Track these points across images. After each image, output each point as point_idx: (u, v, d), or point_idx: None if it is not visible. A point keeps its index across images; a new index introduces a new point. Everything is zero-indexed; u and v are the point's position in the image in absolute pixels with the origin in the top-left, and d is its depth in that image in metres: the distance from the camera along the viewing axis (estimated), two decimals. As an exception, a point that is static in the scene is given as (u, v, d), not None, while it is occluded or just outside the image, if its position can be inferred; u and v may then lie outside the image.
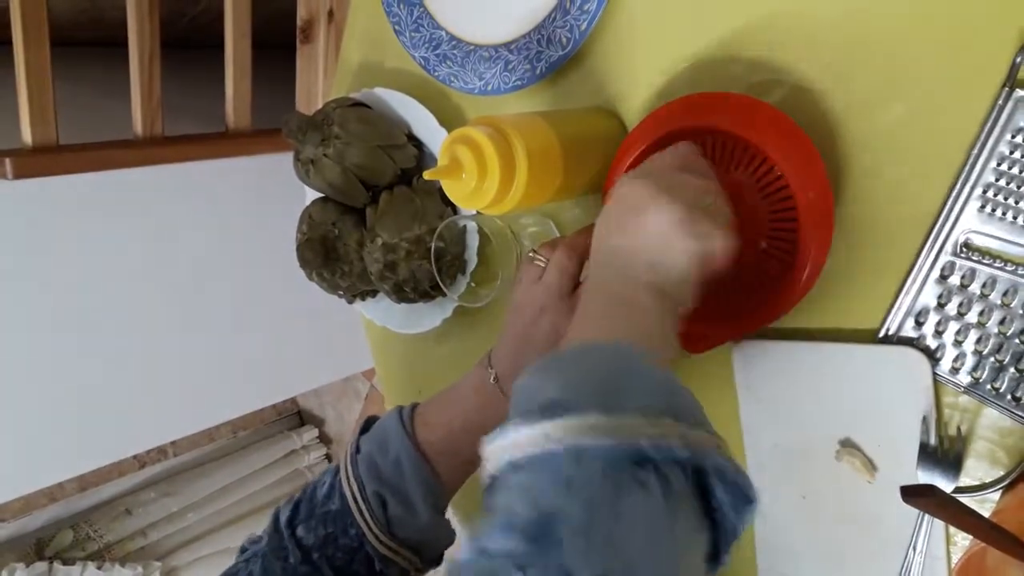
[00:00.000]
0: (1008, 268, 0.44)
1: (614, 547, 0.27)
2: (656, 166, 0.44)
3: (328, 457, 2.18)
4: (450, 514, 0.54)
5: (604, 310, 0.40)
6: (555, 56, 0.57)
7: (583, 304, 0.41)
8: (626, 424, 0.30)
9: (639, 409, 0.31)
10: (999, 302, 0.45)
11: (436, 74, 0.65)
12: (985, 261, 0.45)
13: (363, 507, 0.48)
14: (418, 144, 0.68)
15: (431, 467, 0.50)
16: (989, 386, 0.45)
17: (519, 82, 0.60)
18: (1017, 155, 0.43)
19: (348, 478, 0.49)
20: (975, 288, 0.45)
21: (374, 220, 0.66)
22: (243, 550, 0.51)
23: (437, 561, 0.53)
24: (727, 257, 0.41)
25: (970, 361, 0.46)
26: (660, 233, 0.39)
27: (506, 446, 0.31)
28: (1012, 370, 0.44)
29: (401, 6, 0.67)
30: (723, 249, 0.40)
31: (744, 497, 0.31)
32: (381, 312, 0.75)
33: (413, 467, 0.49)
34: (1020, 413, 0.44)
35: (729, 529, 0.31)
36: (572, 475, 0.29)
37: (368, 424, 0.53)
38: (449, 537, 0.53)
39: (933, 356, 0.47)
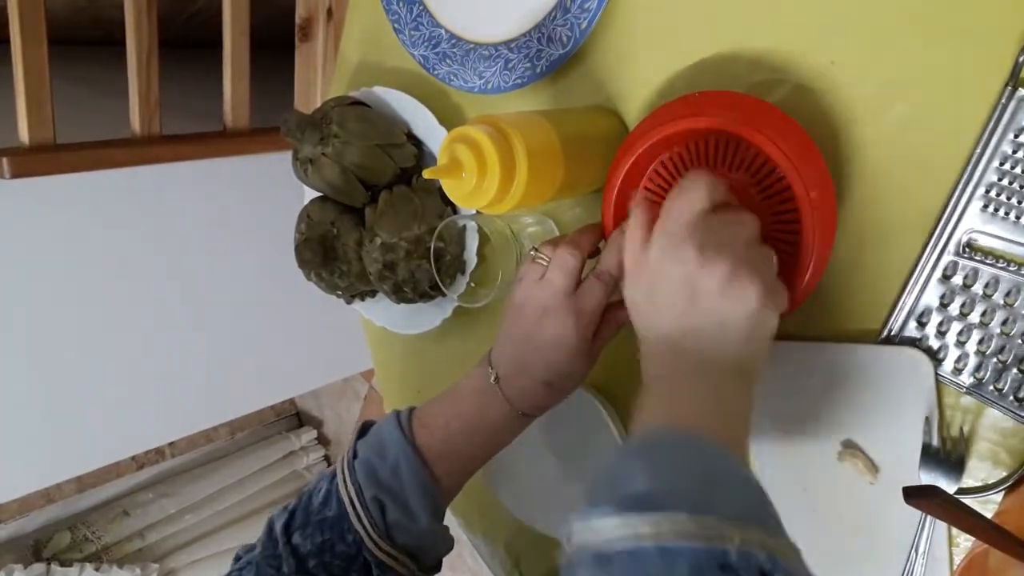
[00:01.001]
0: (1011, 268, 0.44)
1: None
2: (695, 220, 0.41)
3: (327, 458, 2.18)
4: (450, 519, 0.54)
5: (687, 391, 0.39)
6: (555, 55, 0.57)
7: (655, 385, 0.40)
8: (716, 528, 0.30)
9: (731, 515, 0.31)
10: (1002, 302, 0.45)
11: (436, 73, 0.65)
12: (988, 261, 0.45)
13: (361, 513, 0.48)
14: (417, 143, 0.67)
15: (430, 471, 0.49)
16: (992, 387, 0.45)
17: (519, 81, 0.60)
18: (1020, 154, 0.43)
19: (345, 483, 0.49)
20: (978, 288, 0.45)
21: (373, 220, 0.65)
22: (237, 558, 0.51)
23: (435, 567, 0.52)
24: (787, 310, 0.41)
25: (973, 362, 0.46)
26: (747, 312, 0.39)
27: (596, 541, 0.31)
28: (1015, 371, 0.44)
29: (400, 4, 0.67)
30: (784, 306, 0.41)
31: None
32: (380, 312, 0.75)
33: (412, 472, 0.49)
34: (1022, 414, 0.44)
35: None
36: (660, 575, 0.29)
37: (365, 428, 0.53)
38: (447, 543, 0.52)
39: (936, 357, 0.47)
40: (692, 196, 0.42)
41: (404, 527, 0.48)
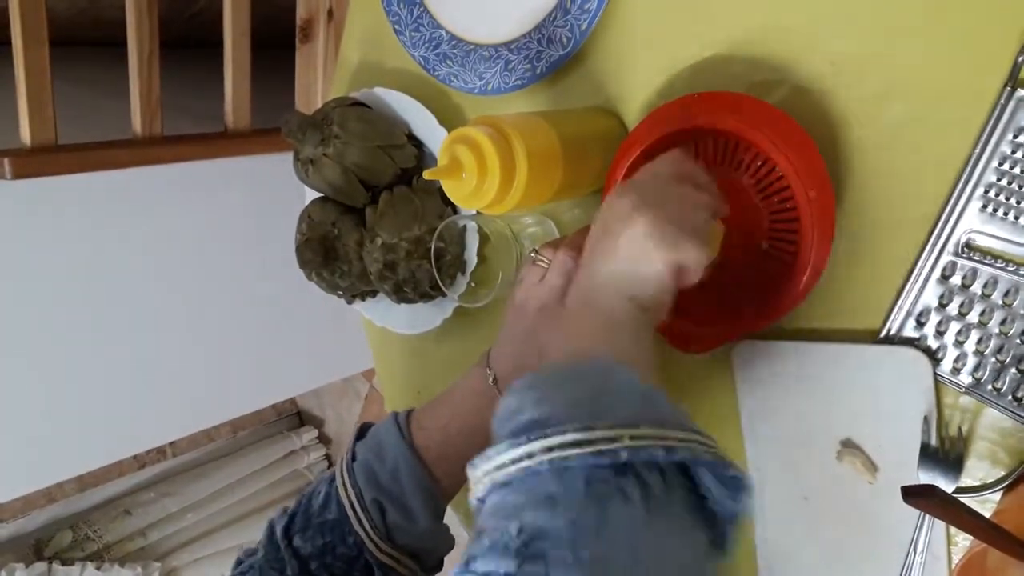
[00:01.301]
0: (1010, 268, 0.44)
1: (601, 561, 0.28)
2: (646, 178, 0.45)
3: (327, 458, 2.18)
4: (451, 517, 0.54)
5: (585, 326, 0.40)
6: (555, 56, 0.57)
7: (564, 319, 0.42)
8: (605, 436, 0.31)
9: (618, 421, 0.31)
10: (1000, 302, 0.45)
11: (436, 74, 0.65)
12: (987, 261, 0.45)
13: (362, 515, 0.48)
14: (418, 144, 0.68)
15: (429, 472, 0.49)
16: (990, 386, 0.45)
17: (519, 82, 0.60)
18: (1019, 155, 0.43)
19: (345, 486, 0.49)
20: (976, 288, 0.45)
21: (374, 220, 0.65)
22: (238, 562, 0.50)
23: (437, 567, 0.52)
24: (699, 268, 0.41)
25: (971, 361, 0.46)
26: (631, 247, 0.40)
27: (490, 469, 0.32)
28: (1013, 371, 0.44)
29: (401, 5, 0.67)
30: (695, 260, 0.41)
31: (735, 482, 0.32)
32: (381, 312, 0.75)
33: (411, 473, 0.49)
34: (1021, 414, 0.44)
35: (726, 516, 0.32)
36: (555, 492, 0.30)
37: (363, 431, 0.53)
38: (448, 543, 0.52)
39: (934, 356, 0.47)
40: (657, 163, 0.45)
41: (404, 529, 0.49)
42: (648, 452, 0.31)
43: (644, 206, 0.40)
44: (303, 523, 0.49)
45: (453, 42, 0.64)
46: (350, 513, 0.48)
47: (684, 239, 0.40)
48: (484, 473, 0.33)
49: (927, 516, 0.48)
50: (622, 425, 0.31)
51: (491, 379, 0.51)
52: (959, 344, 0.46)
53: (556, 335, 0.41)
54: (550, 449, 0.31)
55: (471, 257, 0.64)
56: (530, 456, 0.31)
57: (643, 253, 0.40)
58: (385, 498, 0.48)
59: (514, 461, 0.31)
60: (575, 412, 0.32)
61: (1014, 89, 0.42)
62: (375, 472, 0.49)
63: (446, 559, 0.53)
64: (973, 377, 0.46)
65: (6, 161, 0.87)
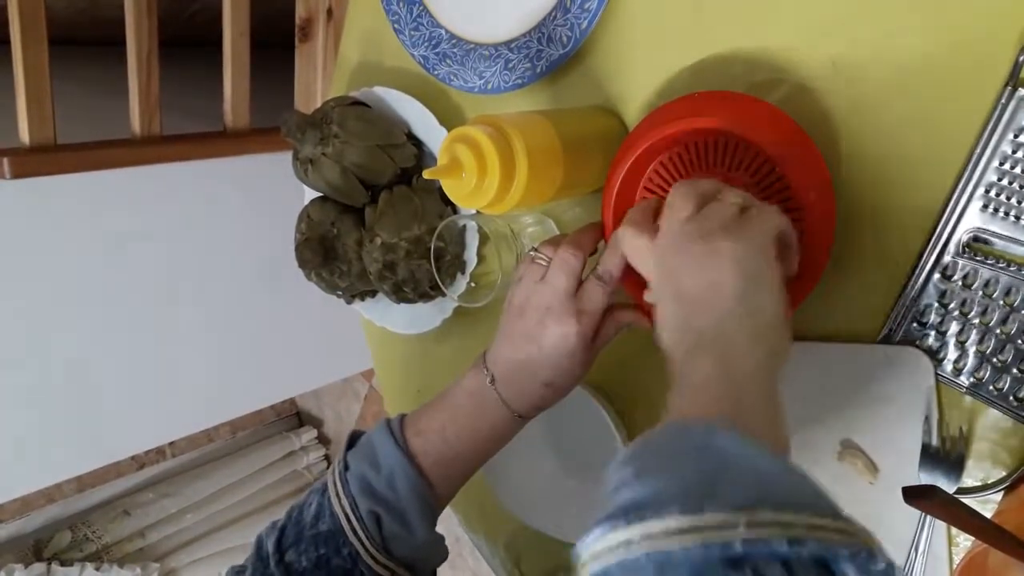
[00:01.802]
0: (1011, 268, 0.44)
1: None
2: (677, 227, 0.40)
3: (327, 458, 2.18)
4: (451, 517, 0.54)
5: (697, 378, 0.35)
6: (555, 55, 0.57)
7: (672, 383, 0.37)
8: (712, 523, 0.26)
9: (734, 503, 0.27)
10: (1001, 302, 0.45)
11: (436, 73, 0.65)
12: (987, 261, 0.45)
13: (357, 527, 0.47)
14: (417, 143, 0.67)
15: (426, 479, 0.48)
16: (991, 387, 0.45)
17: (519, 81, 0.60)
18: (1020, 154, 0.43)
19: (339, 497, 0.47)
20: (977, 288, 0.45)
21: (373, 220, 0.65)
22: None
23: None
24: (796, 242, 0.40)
25: (972, 362, 0.46)
26: (730, 274, 0.37)
27: (586, 559, 0.28)
28: (1014, 371, 0.44)
29: (400, 4, 0.67)
30: (786, 223, 0.39)
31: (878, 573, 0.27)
32: (380, 312, 0.75)
33: (408, 482, 0.48)
34: (1022, 414, 0.44)
35: None
36: None
37: (353, 439, 0.52)
38: (442, 554, 0.52)
39: (935, 356, 0.47)
40: (675, 208, 0.41)
41: (401, 539, 0.48)
42: (768, 544, 0.26)
43: (710, 237, 0.38)
44: (295, 536, 0.48)
45: (453, 41, 0.64)
46: (345, 524, 0.47)
47: (769, 242, 0.38)
48: (587, 553, 0.29)
49: (928, 517, 0.48)
50: (738, 508, 0.27)
51: (489, 379, 0.50)
52: (960, 344, 0.46)
53: (669, 394, 0.36)
54: (650, 537, 0.27)
55: (471, 257, 0.64)
56: (628, 544, 0.27)
57: (751, 276, 0.37)
58: (381, 508, 0.47)
59: (610, 549, 0.27)
60: (682, 491, 0.28)
61: (1015, 89, 0.42)
62: (370, 481, 0.48)
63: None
64: (974, 377, 0.46)
65: (5, 160, 0.87)
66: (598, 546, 0.28)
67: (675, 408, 0.35)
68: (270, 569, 0.47)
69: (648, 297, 0.44)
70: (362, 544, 0.47)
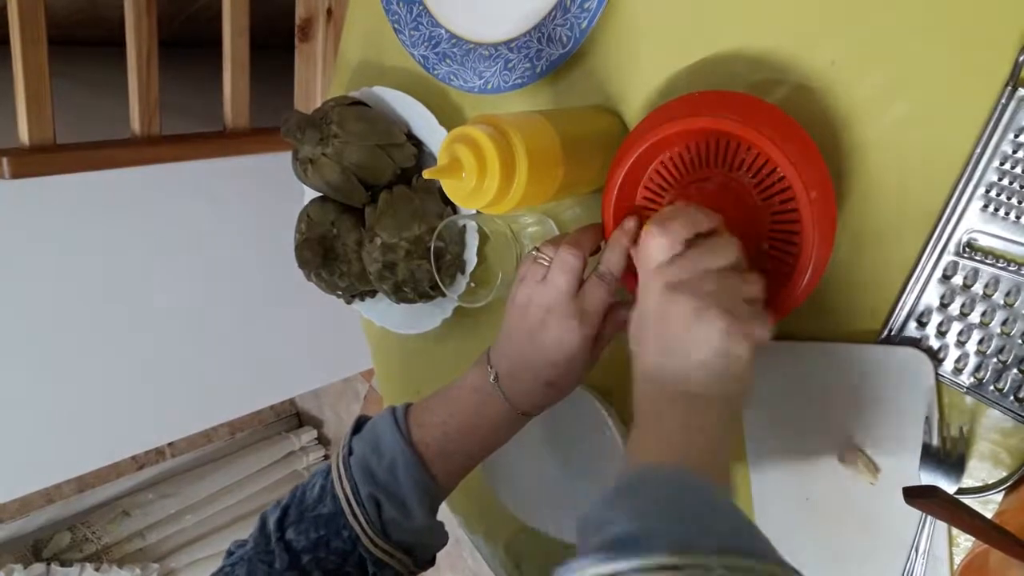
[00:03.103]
0: (1011, 268, 0.44)
1: None
2: (694, 276, 0.42)
3: (327, 458, 2.18)
4: (452, 518, 0.54)
5: (670, 426, 0.40)
6: (555, 55, 0.57)
7: (643, 421, 0.41)
8: (695, 563, 0.30)
9: (710, 546, 0.31)
10: (1002, 302, 0.45)
11: (436, 73, 0.65)
12: (988, 261, 0.45)
13: (357, 510, 0.48)
14: (417, 143, 0.67)
15: (426, 469, 0.49)
16: (992, 387, 0.45)
17: (519, 81, 0.60)
18: (1020, 154, 0.43)
19: (341, 480, 0.49)
20: (978, 288, 0.45)
21: (373, 220, 0.65)
22: (229, 553, 0.50)
23: (430, 563, 0.52)
24: (767, 339, 0.42)
25: (973, 362, 0.46)
26: (713, 348, 0.40)
27: None
28: (1015, 371, 0.44)
29: (400, 4, 0.67)
30: (763, 337, 0.41)
31: None
32: (380, 312, 0.75)
33: (408, 469, 0.49)
34: (1023, 414, 0.44)
35: None
36: None
37: (360, 424, 0.53)
38: (442, 538, 0.53)
39: (936, 357, 0.47)
40: (659, 243, 0.43)
41: (400, 524, 0.49)
42: None
43: (711, 304, 0.40)
44: (297, 516, 0.49)
45: (452, 41, 0.64)
46: (345, 507, 0.48)
47: (754, 320, 0.41)
48: None
49: (929, 517, 0.47)
50: (714, 551, 0.30)
51: (492, 377, 0.50)
52: (961, 344, 0.46)
53: (639, 432, 0.41)
54: (639, 570, 0.30)
55: (471, 257, 0.64)
56: None
57: (733, 355, 0.40)
58: (381, 493, 0.48)
59: None
60: (666, 532, 0.32)
61: (1015, 88, 0.42)
62: (372, 467, 0.49)
63: (445, 560, 0.53)
64: (975, 377, 0.46)
65: (4, 160, 0.87)
66: (587, 574, 0.31)
67: (647, 449, 0.40)
68: (271, 546, 0.48)
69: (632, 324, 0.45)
70: (361, 528, 0.47)
